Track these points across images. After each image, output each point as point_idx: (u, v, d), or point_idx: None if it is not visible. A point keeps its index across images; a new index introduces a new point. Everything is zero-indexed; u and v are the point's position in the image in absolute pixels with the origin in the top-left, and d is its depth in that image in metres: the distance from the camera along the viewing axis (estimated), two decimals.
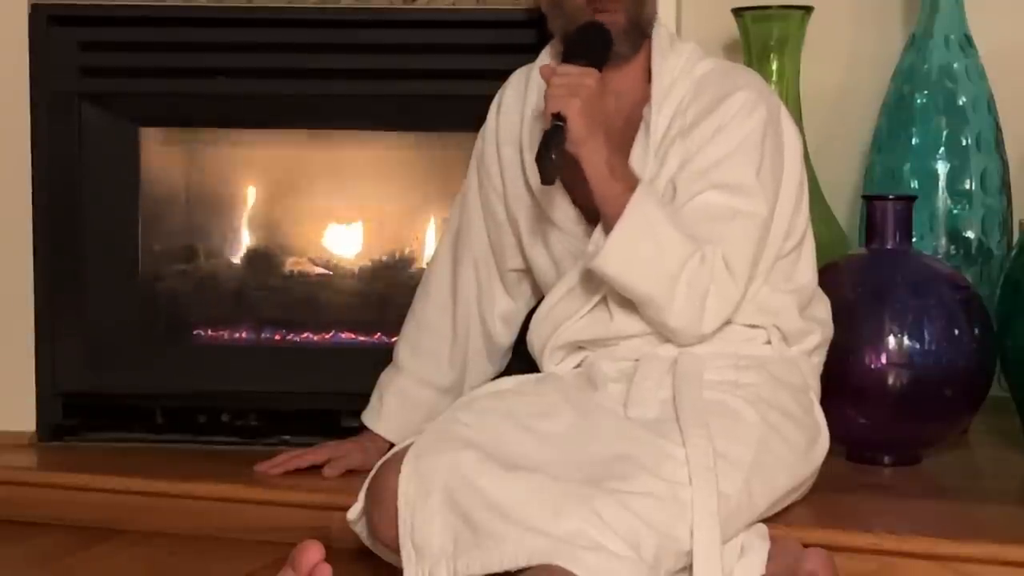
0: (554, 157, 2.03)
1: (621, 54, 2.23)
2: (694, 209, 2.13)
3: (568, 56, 2.16)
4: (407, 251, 2.93)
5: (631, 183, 2.10)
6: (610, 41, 2.19)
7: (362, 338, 2.87)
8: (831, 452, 2.26)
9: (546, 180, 2.06)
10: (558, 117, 2.06)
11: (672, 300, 2.10)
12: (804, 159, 2.34)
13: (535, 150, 2.08)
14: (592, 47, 2.17)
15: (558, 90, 2.08)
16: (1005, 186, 2.89)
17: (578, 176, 2.13)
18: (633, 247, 2.09)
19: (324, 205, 2.94)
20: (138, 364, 2.81)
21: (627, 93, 2.27)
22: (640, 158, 2.21)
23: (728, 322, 2.19)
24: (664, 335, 2.17)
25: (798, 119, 2.90)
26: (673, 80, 2.24)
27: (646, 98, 2.24)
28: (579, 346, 2.26)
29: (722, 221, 2.12)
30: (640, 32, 2.25)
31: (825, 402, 2.28)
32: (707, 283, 2.10)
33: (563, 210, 2.28)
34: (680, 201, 2.15)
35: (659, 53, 2.26)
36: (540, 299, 2.34)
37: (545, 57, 2.35)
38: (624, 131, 2.25)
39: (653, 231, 2.08)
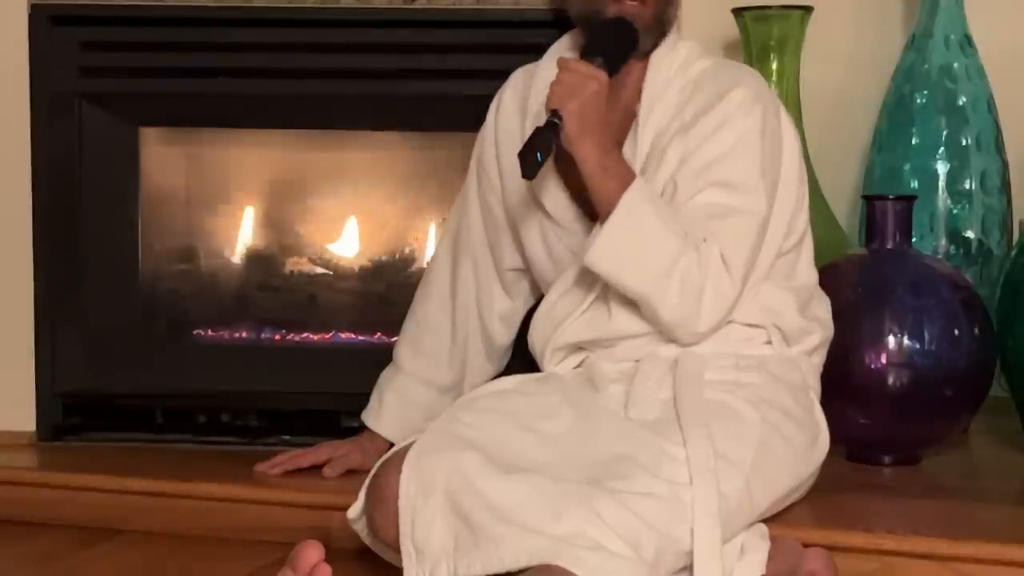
0: (539, 155, 2.04)
1: (643, 50, 2.23)
2: (694, 208, 2.13)
3: (586, 51, 2.16)
4: (407, 251, 2.93)
5: (625, 180, 2.10)
6: (636, 38, 2.19)
7: (362, 338, 2.87)
8: (831, 452, 2.26)
9: (527, 175, 2.06)
10: (555, 114, 2.07)
11: (665, 297, 2.10)
12: (804, 158, 2.33)
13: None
14: (613, 45, 2.17)
15: (561, 87, 2.09)
16: (1005, 186, 2.89)
17: (575, 172, 2.14)
18: (623, 244, 2.09)
19: (324, 205, 2.94)
20: (138, 364, 2.81)
21: (626, 88, 2.27)
22: (629, 156, 2.21)
23: (729, 321, 2.19)
24: (664, 334, 2.17)
25: (798, 119, 2.90)
26: (668, 78, 2.24)
27: (640, 94, 2.24)
28: (579, 347, 2.26)
29: (720, 219, 2.12)
30: (662, 29, 2.26)
31: (825, 402, 2.28)
32: (702, 281, 2.09)
33: (562, 207, 2.28)
34: (680, 200, 2.15)
35: (662, 52, 2.25)
36: (539, 299, 2.34)
37: (561, 46, 2.34)
38: (620, 126, 2.25)
39: (643, 228, 2.08)
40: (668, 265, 2.08)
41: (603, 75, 2.11)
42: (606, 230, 2.09)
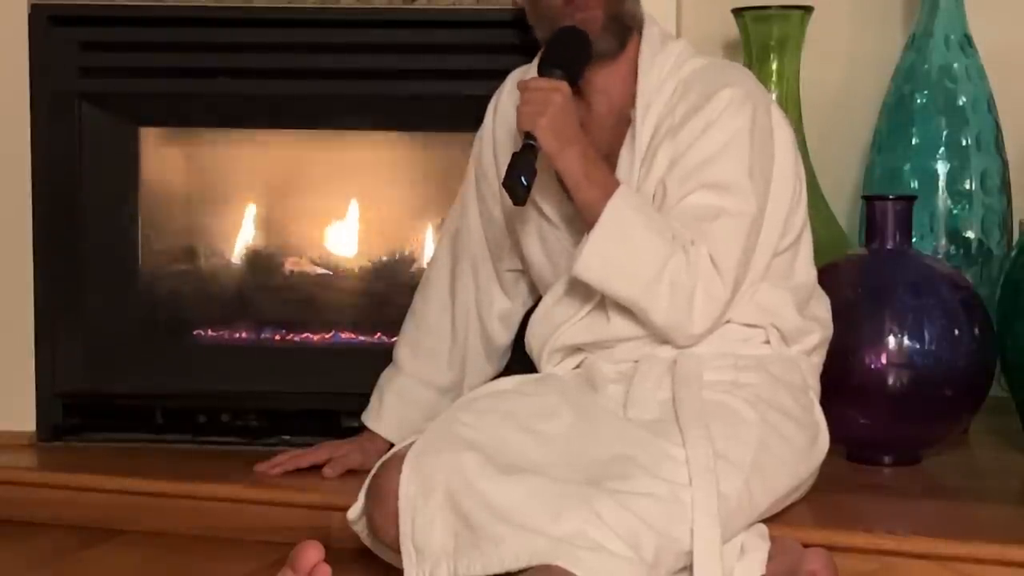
0: (524, 179, 2.06)
1: (604, 51, 2.22)
2: (684, 210, 2.13)
3: (543, 65, 2.17)
4: (407, 251, 2.93)
5: (609, 189, 2.10)
6: (587, 42, 2.19)
7: (362, 338, 2.87)
8: (831, 452, 2.26)
9: (517, 202, 2.09)
10: (529, 135, 2.09)
11: (655, 302, 2.10)
12: (803, 158, 2.33)
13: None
14: (566, 53, 2.17)
15: (527, 107, 2.10)
16: (1005, 186, 2.89)
17: None
18: (610, 252, 2.09)
19: (324, 205, 2.94)
20: (138, 364, 2.81)
21: (617, 92, 2.26)
22: (627, 160, 2.21)
23: (726, 321, 2.19)
24: (660, 337, 2.17)
25: (798, 119, 2.91)
26: (661, 80, 2.23)
27: (635, 97, 2.24)
28: (577, 348, 2.26)
29: (709, 221, 2.12)
30: (623, 26, 2.24)
31: (825, 402, 2.28)
32: (693, 283, 2.09)
33: (559, 208, 2.27)
34: (670, 202, 2.15)
35: (648, 52, 2.25)
36: (537, 299, 2.34)
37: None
38: (615, 130, 2.25)
39: (629, 235, 2.09)
40: (656, 270, 2.09)
41: (565, 86, 2.12)
42: (592, 240, 2.09)
